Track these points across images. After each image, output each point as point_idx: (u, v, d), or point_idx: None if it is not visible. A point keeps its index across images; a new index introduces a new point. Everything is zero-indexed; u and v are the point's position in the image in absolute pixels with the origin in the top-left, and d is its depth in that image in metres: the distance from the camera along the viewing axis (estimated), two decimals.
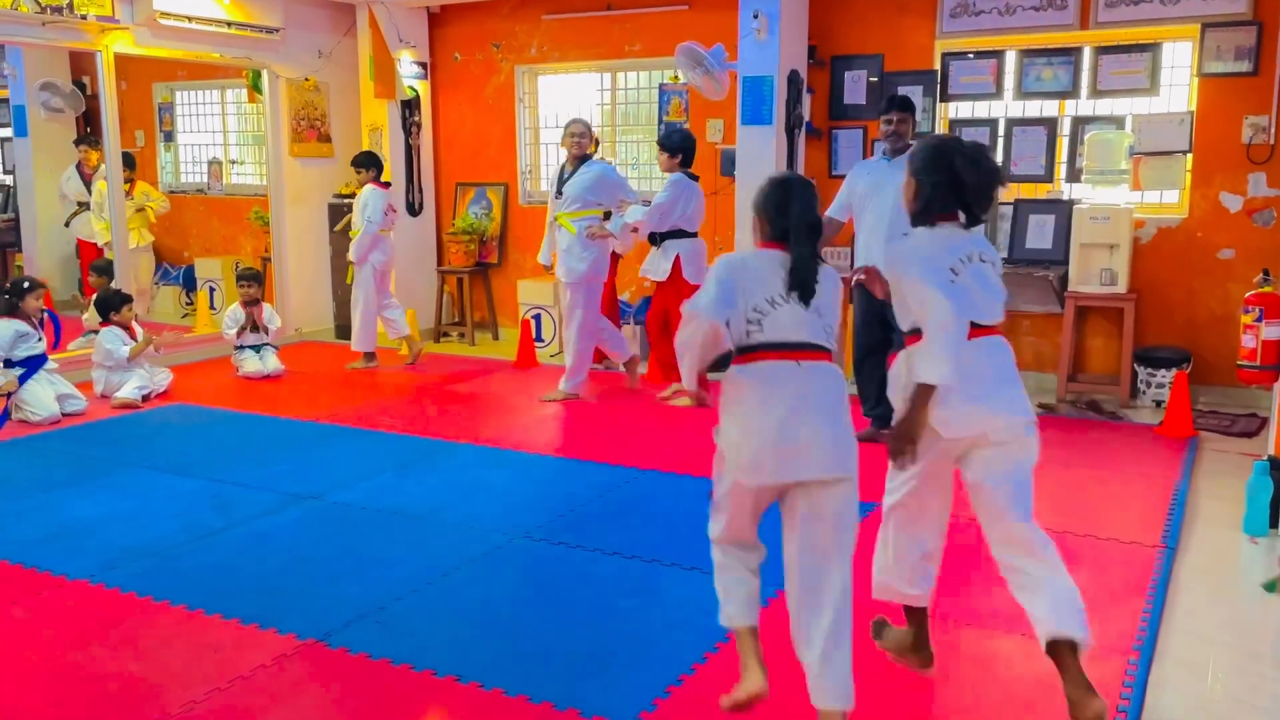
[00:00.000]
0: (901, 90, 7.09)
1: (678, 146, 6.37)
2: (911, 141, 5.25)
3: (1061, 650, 2.69)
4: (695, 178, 6.44)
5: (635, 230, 6.53)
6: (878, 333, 5.26)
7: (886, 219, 5.13)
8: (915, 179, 2.86)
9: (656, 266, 6.48)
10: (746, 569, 2.83)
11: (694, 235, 6.45)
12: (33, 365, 6.02)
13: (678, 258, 6.38)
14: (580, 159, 6.46)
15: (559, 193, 6.49)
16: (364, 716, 2.83)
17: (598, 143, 6.73)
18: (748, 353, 2.67)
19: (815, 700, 2.63)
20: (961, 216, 2.87)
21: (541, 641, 3.25)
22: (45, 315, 6.22)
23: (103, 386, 6.49)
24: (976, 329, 2.76)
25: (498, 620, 3.42)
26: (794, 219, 2.69)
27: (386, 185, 7.66)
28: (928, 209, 2.85)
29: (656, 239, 6.45)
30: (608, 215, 6.52)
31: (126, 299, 6.69)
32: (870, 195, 5.25)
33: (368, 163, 7.55)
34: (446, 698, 2.92)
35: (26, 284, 6.13)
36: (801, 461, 2.63)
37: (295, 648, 3.20)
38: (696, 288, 5.66)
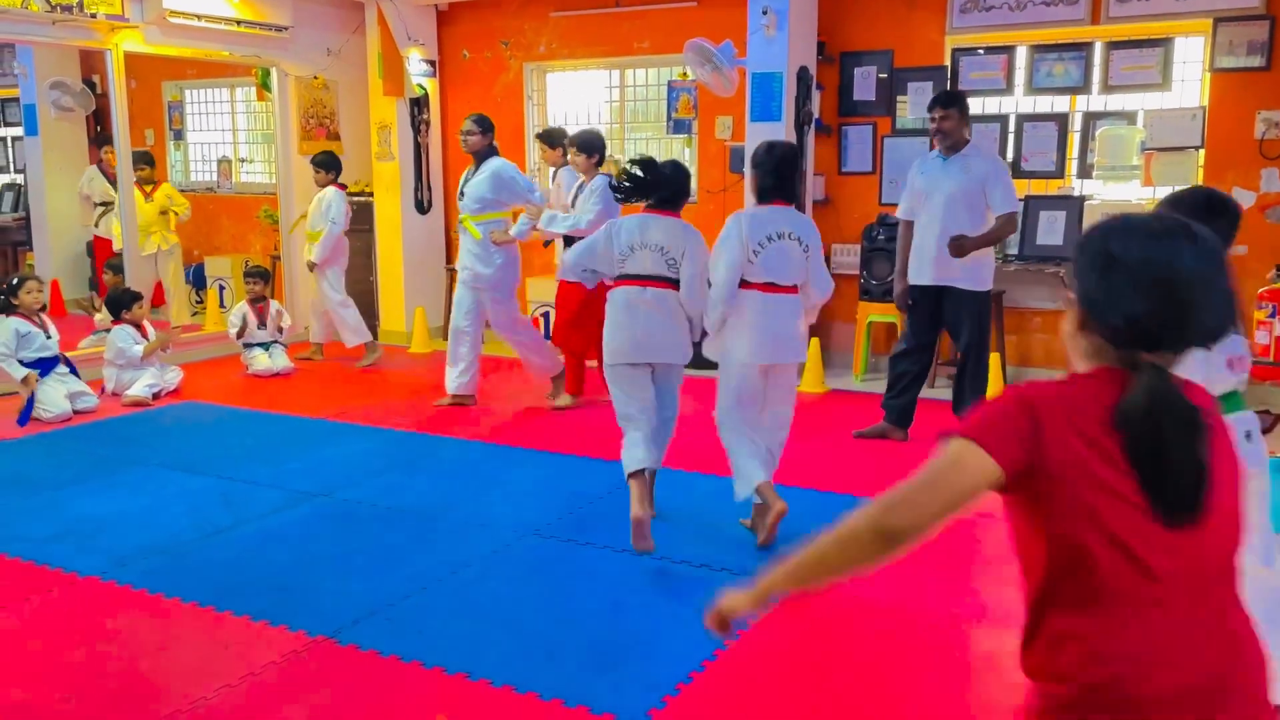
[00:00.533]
0: (911, 86, 7.10)
1: (594, 146, 6.00)
2: (967, 137, 5.26)
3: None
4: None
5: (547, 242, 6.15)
6: (925, 339, 5.42)
7: (939, 219, 5.17)
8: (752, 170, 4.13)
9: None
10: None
11: None
12: (45, 366, 6.03)
13: None
14: (480, 158, 6.17)
15: (460, 193, 6.26)
16: (373, 713, 2.83)
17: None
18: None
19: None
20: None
21: (550, 638, 3.24)
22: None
23: (114, 384, 6.51)
24: (775, 287, 3.96)
25: (506, 617, 3.42)
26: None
27: (343, 187, 7.65)
28: (762, 194, 4.08)
29: (570, 239, 5.92)
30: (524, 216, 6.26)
31: (136, 296, 6.71)
32: (925, 194, 5.28)
33: (329, 164, 7.49)
34: (455, 694, 2.91)
35: (16, 280, 6.10)
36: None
37: (305, 644, 3.20)
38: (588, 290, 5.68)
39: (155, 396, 6.46)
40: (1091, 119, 6.69)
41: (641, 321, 4.06)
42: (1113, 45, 6.55)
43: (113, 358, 6.50)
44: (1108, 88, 6.61)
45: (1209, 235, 1.45)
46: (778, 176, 4.03)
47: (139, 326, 6.63)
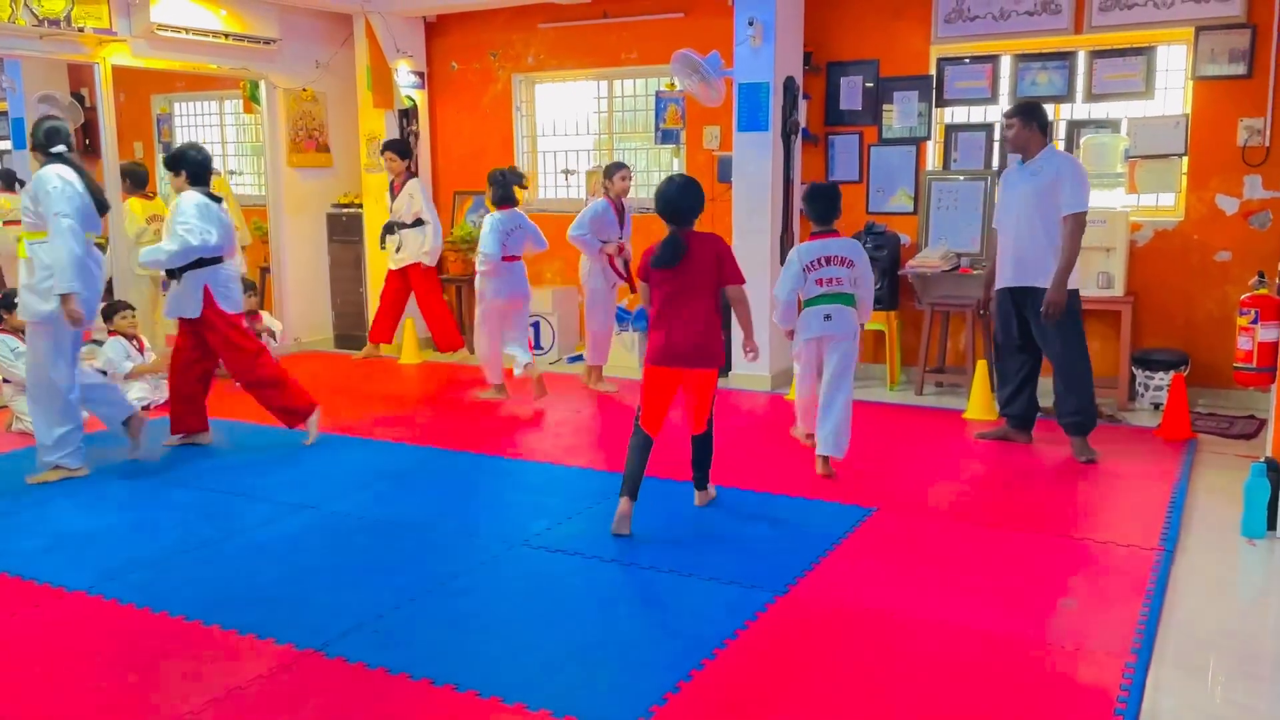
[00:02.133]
0: (897, 95, 7.14)
1: (179, 163, 5.58)
2: (1039, 145, 5.21)
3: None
4: (217, 199, 5.55)
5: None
6: (1015, 336, 5.43)
7: (1013, 223, 5.28)
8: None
9: (182, 304, 5.50)
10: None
11: (218, 261, 5.50)
12: None
13: (207, 289, 5.46)
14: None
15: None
16: None
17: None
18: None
19: None
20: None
21: (539, 649, 3.25)
22: None
23: None
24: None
25: (495, 628, 3.42)
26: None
27: (151, 197, 7.58)
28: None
29: (175, 272, 5.47)
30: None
31: (125, 306, 6.70)
32: (1003, 201, 5.41)
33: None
34: (443, 706, 2.91)
35: (10, 296, 6.03)
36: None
37: (293, 657, 3.20)
38: (238, 319, 5.63)
39: (145, 409, 6.44)
40: (1075, 127, 6.74)
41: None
42: (1096, 54, 6.60)
43: (102, 367, 6.49)
44: (1091, 96, 6.67)
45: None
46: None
47: (133, 339, 6.62)
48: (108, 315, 6.62)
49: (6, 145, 9.55)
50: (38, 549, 4.17)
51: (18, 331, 5.98)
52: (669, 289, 4.22)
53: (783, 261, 7.01)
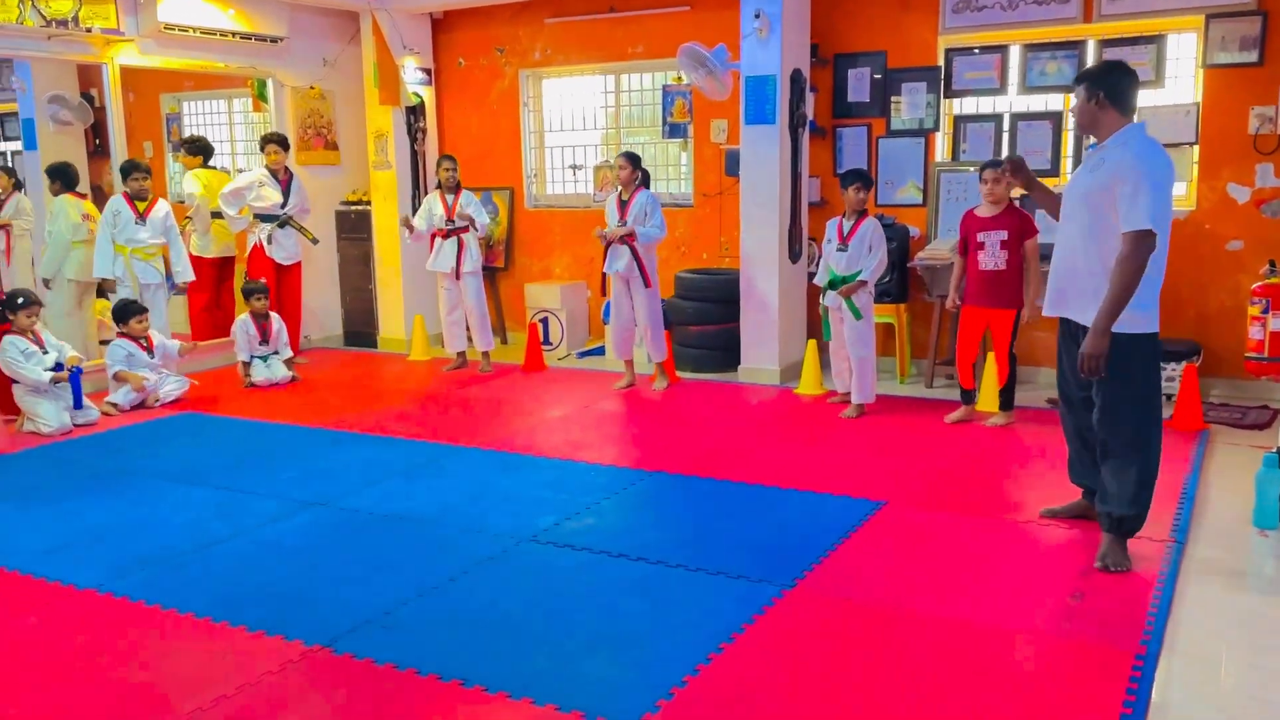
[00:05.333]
0: (905, 87, 7.11)
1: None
2: (1115, 124, 3.67)
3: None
4: None
5: None
6: (1076, 390, 3.93)
7: (1062, 230, 3.86)
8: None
9: None
10: None
11: None
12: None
13: None
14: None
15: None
16: None
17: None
18: None
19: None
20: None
21: (547, 644, 3.25)
22: (69, 373, 6.04)
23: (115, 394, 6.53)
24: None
25: (503, 623, 3.42)
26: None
27: (83, 196, 7.47)
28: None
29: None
30: None
31: (141, 310, 6.67)
32: (1065, 197, 3.91)
33: (59, 174, 7.40)
34: (452, 702, 2.92)
35: (21, 299, 6.03)
36: None
37: (301, 654, 3.21)
38: None
39: (132, 407, 6.49)
40: None
41: None
42: (1105, 43, 6.56)
43: (111, 361, 6.53)
44: None
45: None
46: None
47: (145, 340, 6.63)
48: (122, 318, 6.61)
49: (17, 146, 9.59)
50: (49, 547, 4.19)
51: (26, 332, 6.01)
52: None
53: (792, 256, 7.01)
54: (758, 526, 4.28)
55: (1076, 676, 2.97)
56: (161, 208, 7.19)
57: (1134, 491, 3.70)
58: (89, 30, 6.92)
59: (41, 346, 6.07)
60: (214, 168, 8.46)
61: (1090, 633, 3.23)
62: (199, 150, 8.35)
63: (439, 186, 7.47)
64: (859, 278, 5.93)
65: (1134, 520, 3.76)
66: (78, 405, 6.11)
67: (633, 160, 6.64)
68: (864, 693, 2.91)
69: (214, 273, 8.25)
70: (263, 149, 7.93)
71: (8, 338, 5.94)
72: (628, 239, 6.59)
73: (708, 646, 3.17)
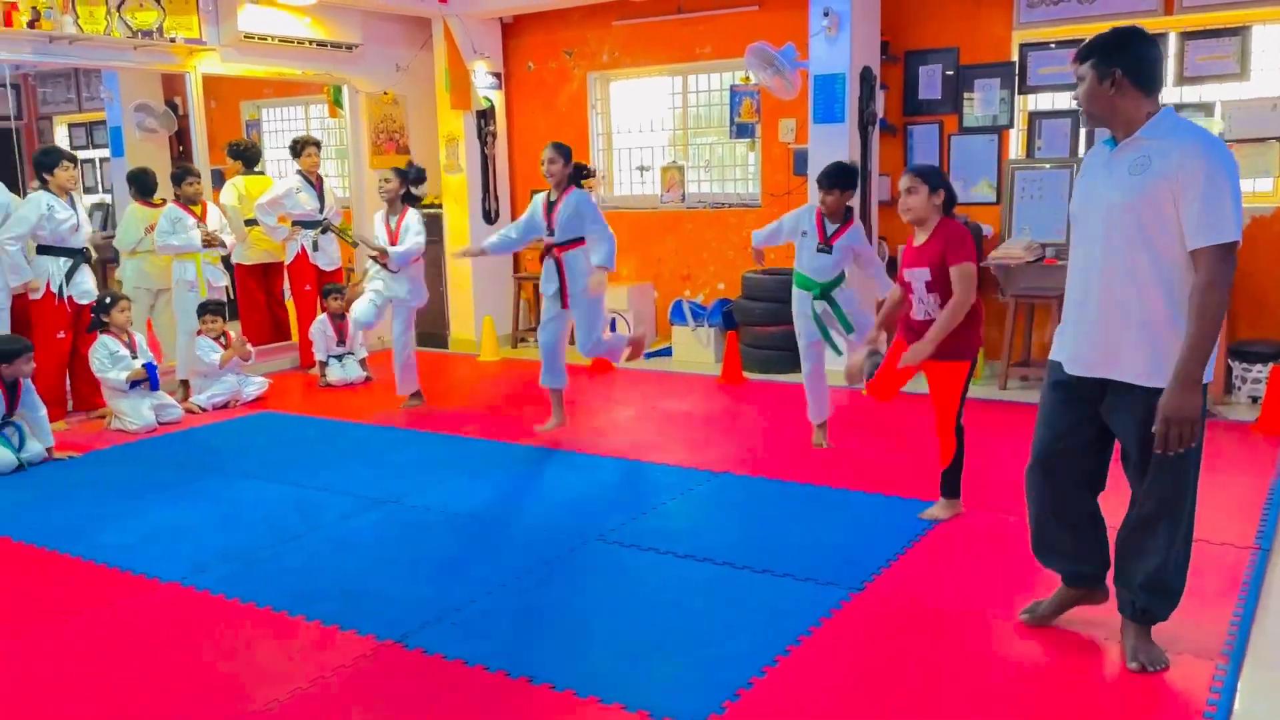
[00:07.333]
0: (978, 83, 6.99)
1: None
2: (1142, 113, 2.90)
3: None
4: None
5: None
6: (1079, 453, 3.07)
7: (1097, 258, 2.89)
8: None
9: None
10: None
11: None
12: (133, 384, 6.20)
13: None
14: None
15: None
16: (438, 716, 2.88)
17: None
18: None
19: None
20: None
21: (614, 643, 3.27)
22: (144, 366, 6.18)
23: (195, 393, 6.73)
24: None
25: (571, 622, 3.45)
26: None
27: (156, 205, 7.24)
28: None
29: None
30: None
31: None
32: (1077, 211, 3.02)
33: (133, 181, 7.37)
34: (519, 699, 2.95)
35: (109, 299, 6.21)
36: None
37: (373, 648, 3.27)
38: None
39: (217, 407, 6.66)
40: None
41: None
42: (1188, 35, 6.37)
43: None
44: (1184, 79, 6.43)
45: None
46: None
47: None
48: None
49: (105, 153, 9.93)
50: (133, 542, 4.33)
51: (122, 331, 6.21)
52: None
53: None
54: (826, 528, 4.25)
55: (1155, 686, 2.89)
56: (214, 212, 7.15)
57: (1174, 566, 2.94)
58: (173, 40, 7.15)
59: (133, 350, 6.25)
60: (259, 173, 8.34)
61: (1171, 641, 3.13)
62: (240, 155, 8.22)
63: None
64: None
65: (1170, 602, 3.00)
66: (154, 388, 6.23)
67: (563, 153, 5.55)
68: (931, 699, 2.87)
69: (258, 280, 8.20)
70: (299, 153, 7.72)
71: (101, 338, 6.15)
72: (556, 250, 5.68)
73: (774, 648, 3.16)
